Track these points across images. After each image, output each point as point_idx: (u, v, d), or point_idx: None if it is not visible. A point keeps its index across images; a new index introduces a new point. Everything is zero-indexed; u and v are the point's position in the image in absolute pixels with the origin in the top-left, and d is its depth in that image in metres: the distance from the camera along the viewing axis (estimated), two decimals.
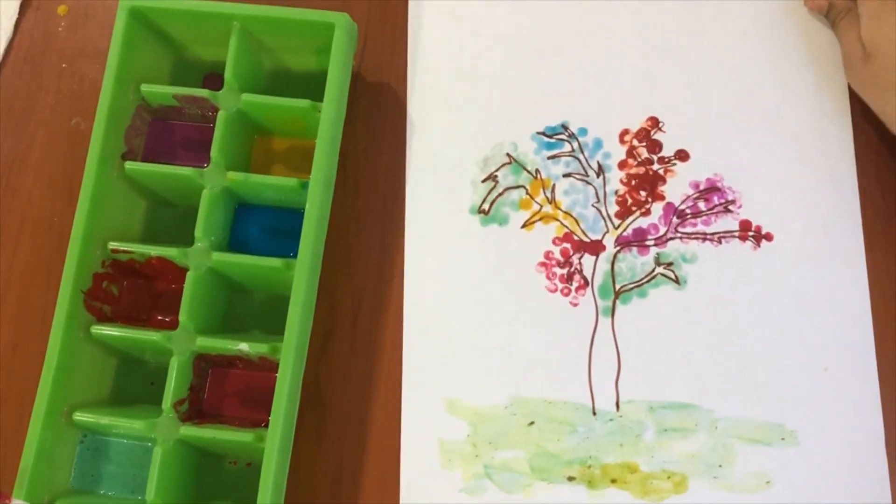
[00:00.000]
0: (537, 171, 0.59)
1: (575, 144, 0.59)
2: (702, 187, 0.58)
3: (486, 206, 0.58)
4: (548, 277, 0.57)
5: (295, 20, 0.53)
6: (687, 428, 0.55)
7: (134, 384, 0.55)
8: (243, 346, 0.50)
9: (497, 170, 0.59)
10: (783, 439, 0.54)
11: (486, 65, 0.60)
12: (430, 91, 0.60)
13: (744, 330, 0.56)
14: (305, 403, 0.53)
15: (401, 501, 0.53)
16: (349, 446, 0.54)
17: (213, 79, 0.57)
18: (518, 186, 0.59)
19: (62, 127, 0.59)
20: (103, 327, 0.52)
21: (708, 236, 0.57)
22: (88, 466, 0.52)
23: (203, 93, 0.54)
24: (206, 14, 0.54)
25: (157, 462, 0.49)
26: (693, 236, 0.58)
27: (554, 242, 0.58)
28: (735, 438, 0.54)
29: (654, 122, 0.59)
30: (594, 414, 0.55)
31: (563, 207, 0.58)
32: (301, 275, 0.50)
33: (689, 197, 0.58)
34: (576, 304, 0.57)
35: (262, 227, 0.57)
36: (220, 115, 0.53)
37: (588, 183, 0.59)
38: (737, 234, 0.57)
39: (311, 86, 0.54)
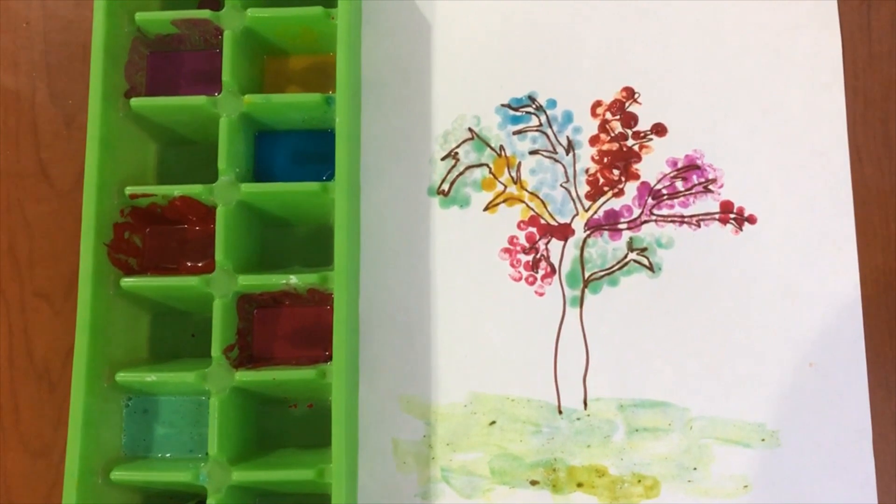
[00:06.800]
0: (501, 147, 0.53)
1: (543, 118, 0.53)
2: (680, 165, 0.52)
3: (445, 187, 0.53)
4: (512, 265, 0.52)
5: None
6: (659, 428, 0.50)
7: (172, 339, 0.51)
8: (292, 279, 0.47)
9: (458, 146, 0.53)
10: (763, 440, 0.50)
11: (446, 30, 0.54)
12: (386, 59, 0.54)
13: (722, 322, 0.51)
14: None
15: None
16: None
17: (209, 2, 0.53)
18: (480, 165, 0.53)
19: None
20: (135, 279, 0.48)
21: (685, 219, 0.52)
22: (138, 430, 0.49)
23: (204, 14, 0.49)
24: None
25: (215, 414, 0.45)
26: (669, 219, 0.52)
27: (519, 226, 0.52)
28: (711, 439, 0.50)
29: (630, 94, 0.53)
30: (560, 412, 0.50)
31: (529, 188, 0.52)
32: (342, 195, 0.47)
33: (665, 175, 0.52)
34: (541, 294, 0.51)
35: (288, 153, 0.52)
36: (227, 36, 0.49)
37: (556, 161, 0.52)
38: (717, 216, 0.52)
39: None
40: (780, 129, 0.53)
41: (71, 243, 0.50)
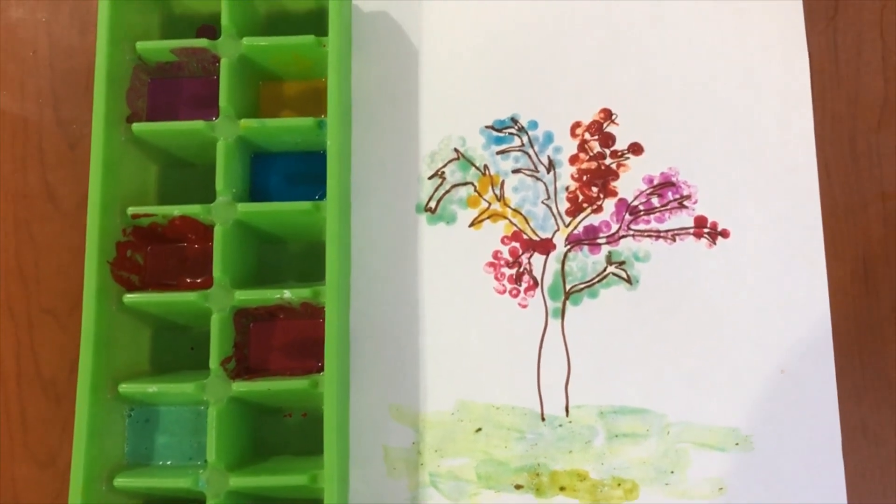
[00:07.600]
0: (486, 166, 0.55)
1: (525, 138, 0.55)
2: (656, 182, 0.54)
3: (432, 205, 0.54)
4: (496, 278, 0.53)
5: None
6: (638, 433, 0.51)
7: (172, 352, 0.52)
8: (286, 293, 0.48)
9: (444, 166, 0.55)
10: (738, 444, 0.51)
11: (432, 56, 0.56)
12: (375, 84, 0.56)
13: (698, 331, 0.52)
14: None
15: None
16: None
17: (207, 31, 0.55)
18: (466, 183, 0.54)
19: None
20: (137, 295, 0.49)
21: (661, 234, 0.53)
22: (140, 439, 0.50)
23: (202, 42, 0.51)
24: None
25: (213, 423, 0.47)
26: (646, 234, 0.53)
27: (503, 241, 0.54)
28: (688, 443, 0.51)
29: (607, 115, 0.55)
30: (543, 419, 0.52)
31: (512, 205, 0.54)
32: (333, 213, 0.48)
33: (642, 192, 0.54)
34: (525, 306, 0.53)
35: (282, 174, 0.54)
36: (223, 63, 0.50)
37: (538, 179, 0.54)
38: (691, 230, 0.53)
39: (308, 27, 0.52)
40: (752, 147, 0.54)
41: (76, 261, 0.52)
